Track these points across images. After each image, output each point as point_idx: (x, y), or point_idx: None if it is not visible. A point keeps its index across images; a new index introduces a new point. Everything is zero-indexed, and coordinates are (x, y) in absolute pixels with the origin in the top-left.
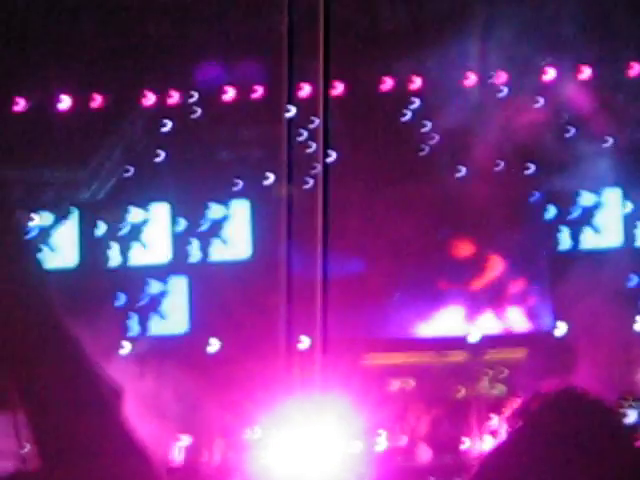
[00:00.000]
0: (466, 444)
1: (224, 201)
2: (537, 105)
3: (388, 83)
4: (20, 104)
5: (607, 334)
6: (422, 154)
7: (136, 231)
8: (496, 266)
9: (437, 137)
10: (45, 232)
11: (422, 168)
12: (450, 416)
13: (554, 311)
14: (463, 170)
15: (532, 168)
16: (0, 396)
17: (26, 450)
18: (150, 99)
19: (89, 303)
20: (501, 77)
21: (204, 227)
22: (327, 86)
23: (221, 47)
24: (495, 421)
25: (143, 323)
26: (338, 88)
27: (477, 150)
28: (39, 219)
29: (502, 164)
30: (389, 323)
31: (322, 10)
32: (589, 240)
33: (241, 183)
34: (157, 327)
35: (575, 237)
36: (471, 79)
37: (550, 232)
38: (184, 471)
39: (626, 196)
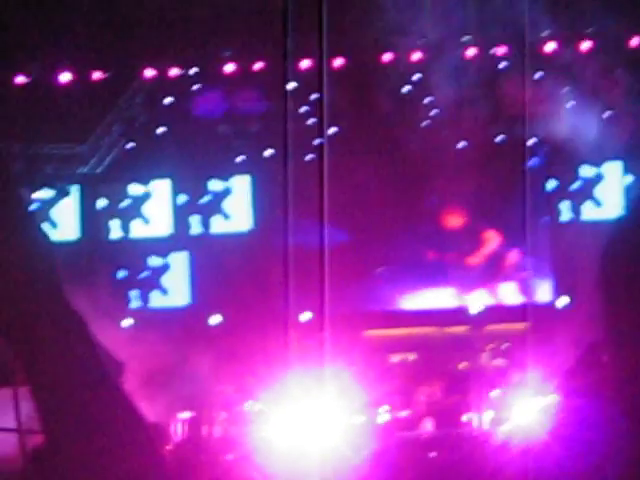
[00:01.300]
0: (467, 416)
1: (225, 175)
2: (537, 77)
3: (388, 56)
4: (20, 79)
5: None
6: (422, 126)
7: (137, 205)
8: (495, 239)
9: (437, 109)
10: (46, 206)
11: (422, 140)
12: (451, 389)
13: (556, 283)
14: (463, 142)
15: (532, 140)
16: (2, 371)
17: (27, 424)
18: (150, 73)
19: (91, 276)
20: (501, 49)
21: (205, 201)
22: (325, 59)
23: (221, 21)
24: (496, 393)
25: (145, 296)
26: (338, 61)
27: (477, 122)
28: (40, 193)
29: (502, 136)
30: (390, 296)
31: None
32: (589, 212)
33: (242, 157)
34: (159, 300)
35: (575, 209)
36: (471, 51)
37: (550, 204)
38: (186, 443)
39: (627, 169)
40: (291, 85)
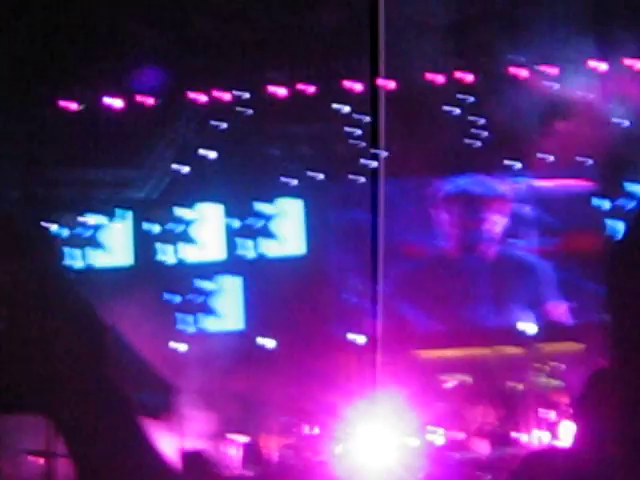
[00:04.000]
0: (523, 439)
1: (277, 199)
2: (588, 98)
3: (438, 79)
4: (73, 105)
5: None
6: (473, 148)
7: (189, 230)
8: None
9: (487, 132)
10: (99, 232)
11: (473, 163)
12: (506, 411)
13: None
14: (516, 164)
15: (588, 162)
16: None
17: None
18: (201, 98)
19: (144, 302)
20: (551, 71)
21: (257, 225)
22: (375, 83)
23: (271, 46)
24: (552, 416)
25: (198, 321)
26: (389, 85)
27: (528, 144)
28: (93, 219)
29: (552, 158)
30: (444, 318)
31: (381, 7)
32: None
33: (293, 180)
34: (212, 325)
35: (625, 227)
36: (521, 73)
37: (603, 224)
38: (242, 469)
39: None
40: (342, 107)
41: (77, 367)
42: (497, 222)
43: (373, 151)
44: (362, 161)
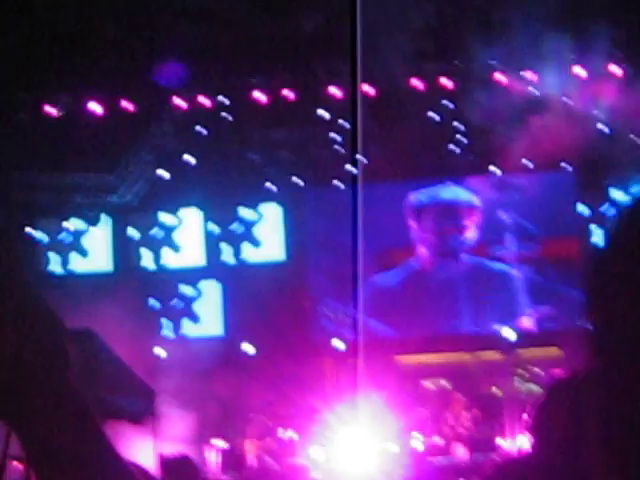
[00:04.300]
0: (502, 444)
1: (256, 203)
2: (567, 103)
3: (417, 84)
4: (51, 110)
5: None
6: (453, 154)
7: (168, 235)
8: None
9: (467, 137)
10: (77, 237)
11: (453, 168)
12: (484, 415)
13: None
14: (495, 170)
15: (566, 168)
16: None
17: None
18: (180, 103)
19: (125, 307)
20: (530, 76)
21: (236, 231)
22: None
23: (250, 50)
24: (529, 420)
25: (177, 325)
26: (368, 90)
27: (508, 149)
28: (71, 224)
29: (531, 164)
30: (423, 323)
31: (358, 11)
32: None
33: (272, 185)
34: (191, 329)
35: (605, 234)
36: (500, 78)
37: (584, 230)
38: (220, 473)
39: None
40: (321, 112)
41: (38, 373)
42: (471, 229)
43: (353, 157)
44: (342, 167)
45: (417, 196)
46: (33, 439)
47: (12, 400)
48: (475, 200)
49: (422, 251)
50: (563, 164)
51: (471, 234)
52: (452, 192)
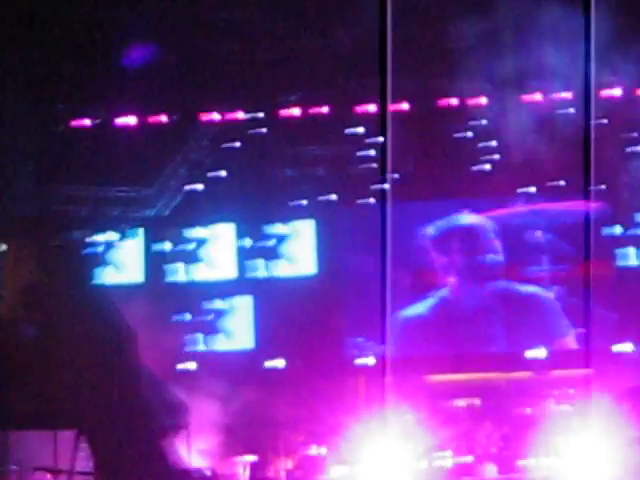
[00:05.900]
0: (532, 463)
1: (288, 219)
2: (601, 123)
3: (451, 101)
4: (86, 122)
5: None
6: (484, 172)
7: (201, 249)
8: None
9: (499, 155)
10: (111, 249)
11: (484, 186)
12: (516, 435)
13: (619, 329)
14: (528, 188)
15: (598, 186)
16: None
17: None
18: (215, 117)
19: (155, 320)
20: (564, 95)
21: (269, 245)
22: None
23: (285, 65)
24: (561, 440)
25: (208, 339)
26: (402, 106)
27: (540, 168)
28: (105, 236)
29: (563, 182)
30: (454, 341)
31: (388, 27)
32: None
33: (305, 200)
34: (222, 344)
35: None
36: (534, 97)
37: (613, 250)
38: None
39: None
40: (354, 129)
41: (106, 380)
42: (497, 252)
43: (384, 174)
44: (373, 184)
45: (436, 226)
46: (104, 449)
47: (86, 409)
48: (492, 224)
49: (449, 279)
50: (596, 185)
51: (498, 257)
52: (470, 218)
